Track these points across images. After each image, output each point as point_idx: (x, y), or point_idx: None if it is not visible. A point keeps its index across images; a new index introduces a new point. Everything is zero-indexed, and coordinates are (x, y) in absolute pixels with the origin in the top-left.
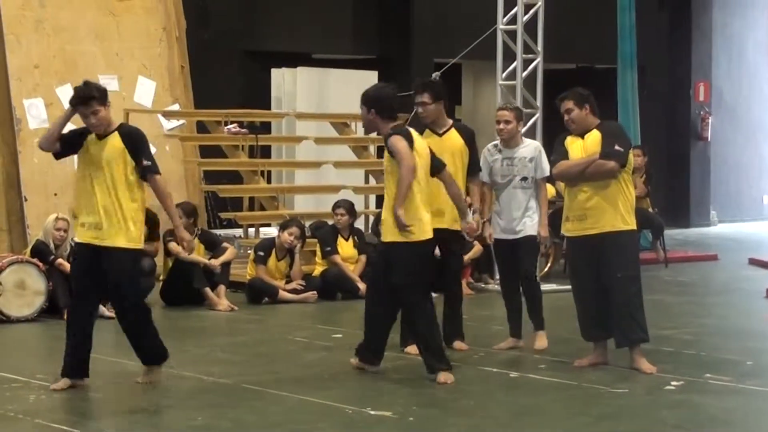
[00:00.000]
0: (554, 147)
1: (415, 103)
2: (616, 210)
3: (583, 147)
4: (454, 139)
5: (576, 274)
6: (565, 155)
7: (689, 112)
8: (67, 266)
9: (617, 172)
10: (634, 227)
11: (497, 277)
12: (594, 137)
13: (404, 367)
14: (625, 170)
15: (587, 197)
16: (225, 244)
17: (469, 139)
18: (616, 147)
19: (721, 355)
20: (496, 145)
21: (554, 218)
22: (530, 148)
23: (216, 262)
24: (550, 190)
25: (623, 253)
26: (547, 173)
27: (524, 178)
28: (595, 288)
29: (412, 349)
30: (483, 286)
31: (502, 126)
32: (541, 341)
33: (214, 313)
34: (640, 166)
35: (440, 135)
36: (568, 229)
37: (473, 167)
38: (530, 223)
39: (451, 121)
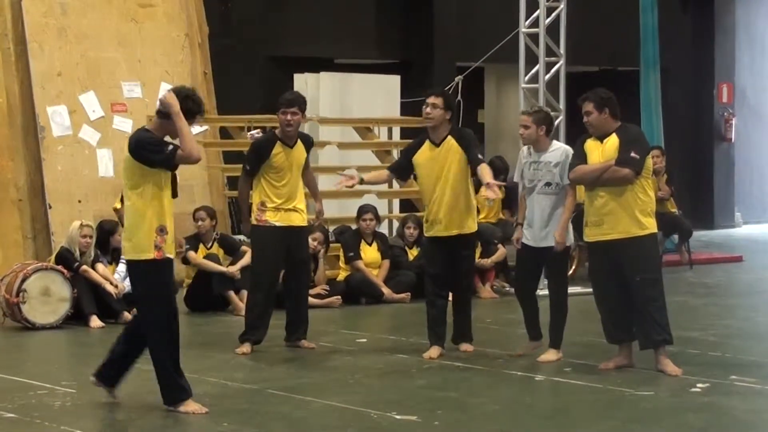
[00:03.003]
0: (574, 150)
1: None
2: (632, 215)
3: (601, 152)
4: (451, 147)
5: (597, 278)
6: (583, 159)
7: (713, 114)
8: (93, 273)
9: (632, 178)
10: (653, 230)
11: None
12: (612, 142)
13: (429, 372)
14: (642, 176)
15: (604, 203)
16: (244, 248)
17: (464, 140)
18: (632, 154)
19: (747, 357)
20: (528, 148)
21: (578, 221)
22: (557, 153)
23: (234, 268)
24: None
25: (641, 257)
26: None
27: (548, 184)
28: (617, 291)
29: (467, 347)
30: (507, 289)
31: (521, 131)
32: (548, 356)
33: (238, 319)
34: (659, 167)
35: (438, 145)
36: (587, 234)
37: (473, 164)
38: (554, 232)
39: (448, 128)
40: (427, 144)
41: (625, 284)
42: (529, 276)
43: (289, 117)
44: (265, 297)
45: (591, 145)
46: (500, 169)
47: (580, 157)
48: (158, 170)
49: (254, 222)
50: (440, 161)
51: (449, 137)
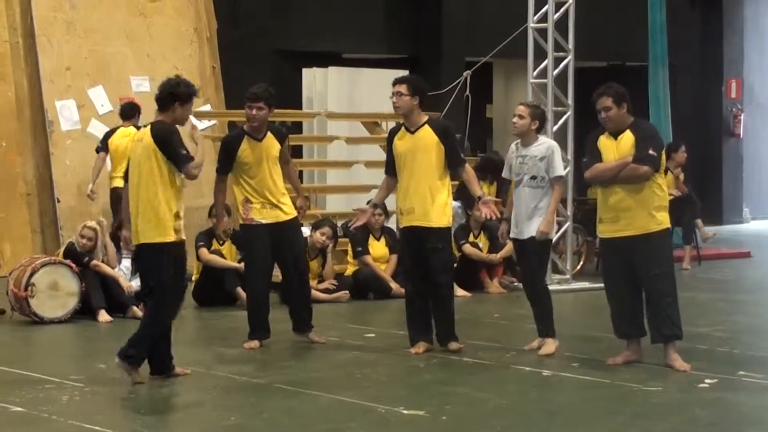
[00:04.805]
0: (586, 147)
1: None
2: (648, 211)
3: (616, 149)
4: (426, 136)
5: (609, 273)
6: (598, 157)
7: (721, 110)
8: (105, 267)
9: (650, 176)
10: (668, 225)
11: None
12: (627, 139)
13: (437, 366)
14: (657, 172)
15: (620, 199)
16: None
17: (443, 133)
18: (650, 151)
19: (755, 353)
20: (516, 144)
21: (588, 217)
22: (542, 147)
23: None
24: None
25: (657, 251)
26: (559, 173)
27: (533, 177)
28: (629, 287)
29: (455, 345)
30: (515, 284)
31: (515, 120)
32: (547, 348)
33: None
34: (683, 163)
35: (413, 132)
36: (601, 230)
37: (453, 161)
38: (537, 225)
39: (426, 118)
40: (402, 130)
41: (637, 279)
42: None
43: (254, 112)
44: (259, 295)
45: (605, 143)
46: (496, 167)
47: (594, 155)
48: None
49: (241, 221)
50: (415, 149)
51: (426, 126)
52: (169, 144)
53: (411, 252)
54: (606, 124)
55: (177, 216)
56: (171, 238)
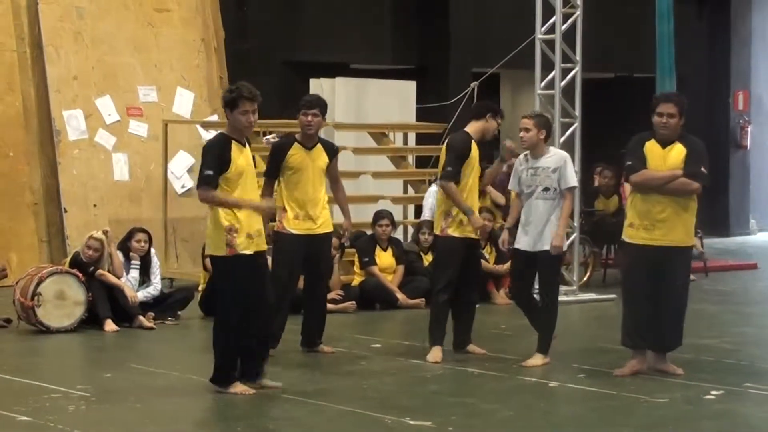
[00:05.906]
0: (630, 148)
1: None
2: (685, 225)
3: (664, 158)
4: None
5: (632, 279)
6: (644, 162)
7: (728, 121)
8: (110, 277)
9: (699, 192)
10: (694, 242)
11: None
12: (678, 151)
13: (444, 377)
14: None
15: (662, 209)
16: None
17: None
18: (702, 168)
19: (762, 364)
20: (525, 155)
21: (595, 228)
22: (555, 158)
23: None
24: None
25: (684, 265)
26: (573, 184)
27: (546, 189)
28: (649, 296)
29: (479, 349)
30: None
31: (522, 134)
32: (535, 361)
33: None
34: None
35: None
36: (631, 235)
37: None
38: (551, 237)
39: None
40: (473, 144)
41: (658, 290)
42: (527, 283)
43: (309, 118)
44: (278, 303)
45: (653, 149)
46: None
47: (640, 159)
48: None
49: (276, 228)
50: (477, 164)
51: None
52: (202, 157)
53: (460, 262)
54: (662, 129)
55: (230, 230)
56: (222, 252)
